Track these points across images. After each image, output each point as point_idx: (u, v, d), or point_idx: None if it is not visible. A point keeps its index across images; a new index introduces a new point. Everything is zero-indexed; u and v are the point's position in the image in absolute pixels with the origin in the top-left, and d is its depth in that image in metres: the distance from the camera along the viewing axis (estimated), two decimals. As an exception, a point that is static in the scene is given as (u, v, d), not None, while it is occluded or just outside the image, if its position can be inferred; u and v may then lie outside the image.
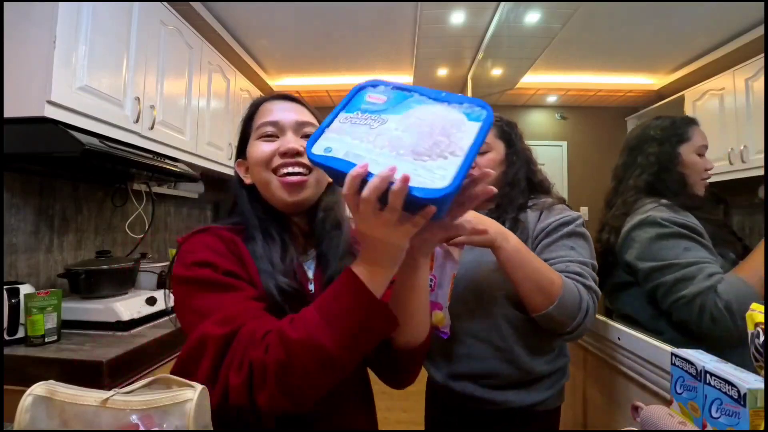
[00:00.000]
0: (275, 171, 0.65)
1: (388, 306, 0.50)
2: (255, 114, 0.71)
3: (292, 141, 0.65)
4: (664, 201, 1.04)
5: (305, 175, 0.65)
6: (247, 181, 0.70)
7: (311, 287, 0.66)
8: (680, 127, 1.14)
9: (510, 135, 1.04)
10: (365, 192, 0.41)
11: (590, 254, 0.92)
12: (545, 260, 0.88)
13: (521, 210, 0.97)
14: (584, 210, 3.66)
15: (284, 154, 0.65)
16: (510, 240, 0.84)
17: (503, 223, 0.92)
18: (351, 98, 0.52)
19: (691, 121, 1.17)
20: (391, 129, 0.46)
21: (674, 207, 1.02)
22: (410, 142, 0.43)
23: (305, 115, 0.70)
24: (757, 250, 0.94)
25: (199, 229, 0.64)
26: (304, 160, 0.65)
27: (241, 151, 0.72)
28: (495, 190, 0.50)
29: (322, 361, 0.47)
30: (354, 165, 0.43)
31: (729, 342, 0.85)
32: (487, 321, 0.94)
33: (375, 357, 0.64)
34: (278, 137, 0.67)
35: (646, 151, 1.15)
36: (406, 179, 0.39)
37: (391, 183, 0.40)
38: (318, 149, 0.47)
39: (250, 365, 0.47)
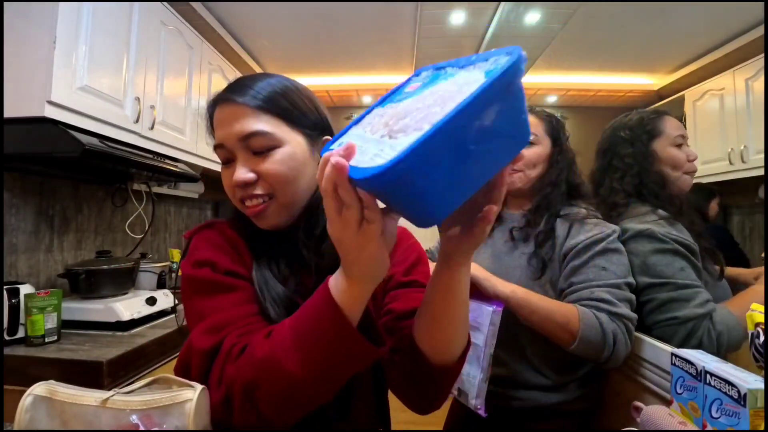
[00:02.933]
0: (240, 202, 0.58)
1: (359, 333, 0.43)
2: (212, 125, 0.61)
3: (240, 170, 0.56)
4: (661, 212, 1.01)
5: (264, 202, 0.57)
6: None
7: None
8: (648, 123, 1.08)
9: (558, 133, 1.01)
10: (322, 184, 0.36)
11: (625, 271, 0.89)
12: (572, 284, 0.88)
13: (555, 216, 0.95)
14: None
15: (238, 187, 0.57)
16: (517, 292, 0.86)
17: (537, 228, 0.93)
18: (393, 93, 0.45)
19: (660, 113, 1.11)
20: (393, 112, 0.38)
21: (671, 220, 0.99)
22: (401, 121, 0.35)
23: (248, 120, 0.55)
24: (752, 290, 0.97)
25: (205, 224, 0.63)
26: (260, 188, 0.56)
27: None
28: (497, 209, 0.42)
29: (287, 383, 0.42)
30: None
31: None
32: (513, 334, 0.93)
33: (399, 376, 0.57)
34: (232, 160, 0.58)
35: (619, 153, 1.09)
36: (339, 163, 0.33)
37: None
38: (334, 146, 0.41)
39: (226, 383, 0.45)
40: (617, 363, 0.85)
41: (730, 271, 1.09)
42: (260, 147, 0.56)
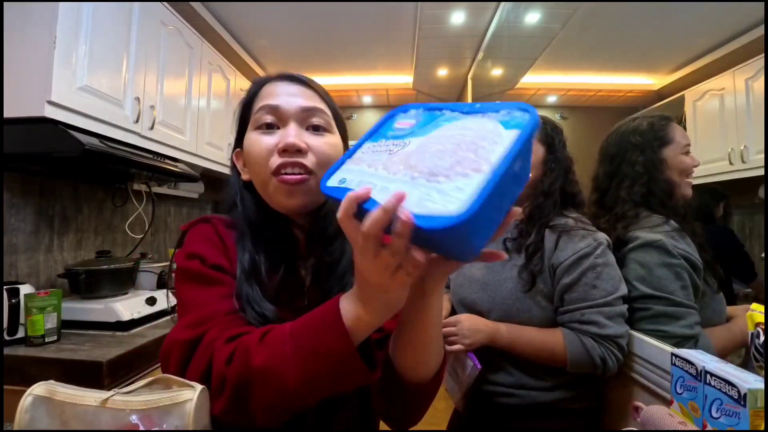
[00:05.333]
0: (275, 172, 0.55)
1: (361, 360, 0.43)
2: (255, 97, 0.60)
3: (293, 135, 0.55)
4: (673, 223, 1.00)
5: (306, 175, 0.55)
6: (245, 177, 0.61)
7: (306, 302, 0.60)
8: (660, 130, 1.07)
9: (553, 140, 0.99)
10: (365, 225, 0.34)
11: (616, 284, 0.89)
12: (564, 301, 0.91)
13: (546, 227, 0.94)
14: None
15: (283, 152, 0.55)
16: (502, 331, 0.92)
17: (527, 240, 0.94)
18: (379, 126, 0.46)
19: (669, 119, 1.10)
20: (409, 152, 0.38)
21: (681, 232, 0.99)
22: (428, 163, 0.35)
23: (314, 101, 0.59)
24: (730, 329, 0.98)
25: (201, 218, 0.63)
26: (307, 160, 0.56)
27: (240, 139, 0.62)
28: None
29: (282, 393, 0.43)
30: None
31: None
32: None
33: (378, 393, 0.57)
34: (278, 128, 0.57)
35: (629, 159, 1.07)
36: (408, 217, 0.31)
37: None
38: (333, 182, 0.41)
39: (209, 374, 0.45)
40: (612, 373, 0.90)
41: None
42: (319, 124, 0.59)
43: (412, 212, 0.32)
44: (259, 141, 0.57)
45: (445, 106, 0.43)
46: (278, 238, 0.60)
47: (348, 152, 0.44)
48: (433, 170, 0.34)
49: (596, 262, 0.88)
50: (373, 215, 0.33)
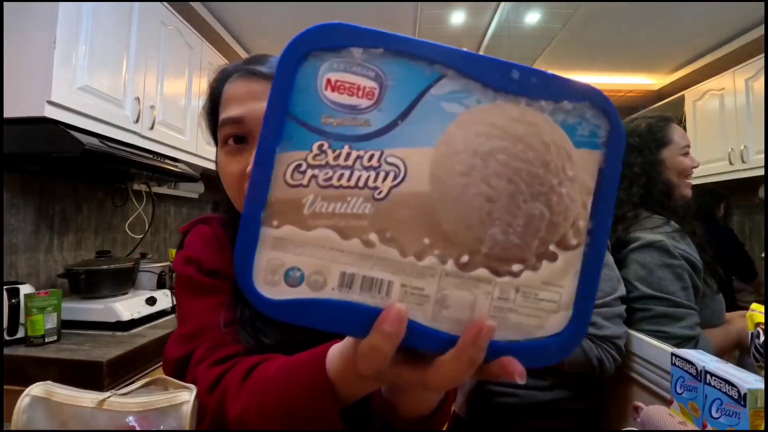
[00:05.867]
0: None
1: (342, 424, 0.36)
2: (220, 99, 0.51)
3: None
4: (674, 224, 1.00)
5: None
6: None
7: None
8: (658, 131, 1.07)
9: None
10: (374, 339, 0.22)
11: (614, 285, 0.90)
12: None
13: None
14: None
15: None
16: None
17: None
18: (281, 98, 0.22)
19: (668, 120, 1.10)
20: (422, 197, 0.22)
21: (682, 233, 0.99)
22: (476, 230, 0.21)
23: None
24: (729, 327, 0.99)
25: (200, 218, 0.62)
26: None
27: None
28: None
29: None
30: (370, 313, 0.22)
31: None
32: None
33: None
34: (247, 141, 0.48)
35: (627, 161, 1.07)
36: (489, 333, 0.21)
37: (417, 326, 0.22)
38: (269, 280, 0.22)
39: (200, 400, 0.42)
40: (610, 374, 0.90)
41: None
42: None
43: (504, 341, 0.21)
44: (226, 166, 0.50)
45: (442, 55, 0.22)
46: None
47: (252, 187, 0.22)
48: (493, 248, 0.21)
49: None
50: (385, 329, 0.21)
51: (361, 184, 0.22)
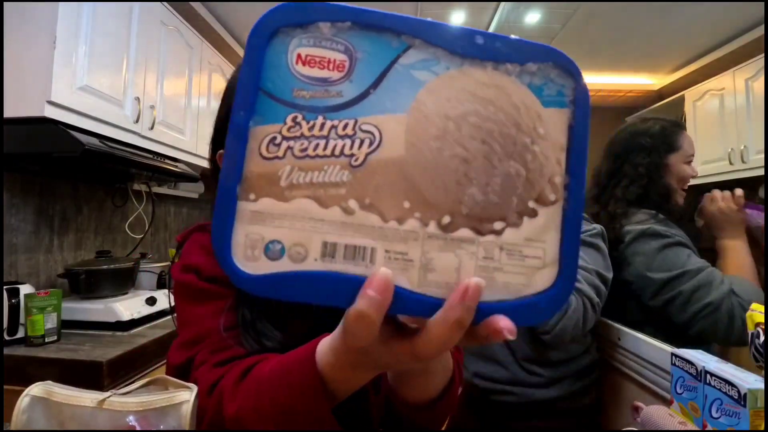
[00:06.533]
0: None
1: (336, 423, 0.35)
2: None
3: None
4: (660, 216, 1.03)
5: None
6: None
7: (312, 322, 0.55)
8: (670, 135, 1.08)
9: None
10: (361, 306, 0.21)
11: (599, 263, 0.91)
12: None
13: None
14: (584, 210, 3.66)
15: None
16: None
17: None
18: (252, 74, 0.22)
19: (681, 127, 1.12)
20: (396, 162, 0.22)
21: (667, 221, 1.02)
22: (454, 192, 0.22)
23: None
24: (729, 252, 1.01)
25: (196, 226, 0.62)
26: None
27: (221, 140, 0.57)
28: None
29: None
30: (353, 282, 0.21)
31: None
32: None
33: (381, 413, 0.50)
34: None
35: (633, 160, 1.08)
36: (476, 291, 0.21)
37: (403, 291, 0.22)
38: (249, 255, 0.22)
39: (200, 402, 0.42)
40: (560, 334, 0.85)
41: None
42: None
43: (493, 302, 0.21)
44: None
45: (408, 26, 0.23)
46: None
47: (232, 154, 0.22)
48: (473, 208, 0.21)
49: (585, 239, 0.91)
50: (368, 297, 0.21)
51: (337, 152, 0.22)
